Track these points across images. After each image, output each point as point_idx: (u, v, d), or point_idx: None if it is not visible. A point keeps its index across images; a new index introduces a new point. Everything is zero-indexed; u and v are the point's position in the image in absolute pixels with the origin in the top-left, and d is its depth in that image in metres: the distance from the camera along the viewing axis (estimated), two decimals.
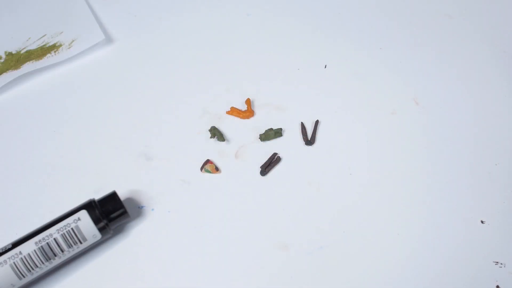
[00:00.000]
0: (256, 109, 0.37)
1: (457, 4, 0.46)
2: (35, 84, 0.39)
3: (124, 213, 0.29)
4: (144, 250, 0.30)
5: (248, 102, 0.37)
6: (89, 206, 0.28)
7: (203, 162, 0.34)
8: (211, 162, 0.33)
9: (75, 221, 0.28)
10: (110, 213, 0.29)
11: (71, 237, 0.28)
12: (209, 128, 0.36)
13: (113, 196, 0.30)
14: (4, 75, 0.39)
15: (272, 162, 0.34)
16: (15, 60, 0.40)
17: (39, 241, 0.27)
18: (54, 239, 0.27)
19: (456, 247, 0.30)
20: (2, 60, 0.40)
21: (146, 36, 0.43)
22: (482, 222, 0.32)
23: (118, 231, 0.31)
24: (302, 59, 0.41)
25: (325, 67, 0.40)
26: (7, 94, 0.38)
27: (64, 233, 0.27)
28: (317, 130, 0.36)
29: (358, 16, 0.44)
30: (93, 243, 0.29)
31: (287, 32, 0.43)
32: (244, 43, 0.42)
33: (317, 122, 0.36)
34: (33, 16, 0.44)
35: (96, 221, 0.28)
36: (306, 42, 0.42)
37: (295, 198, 0.32)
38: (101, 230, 0.28)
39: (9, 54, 0.40)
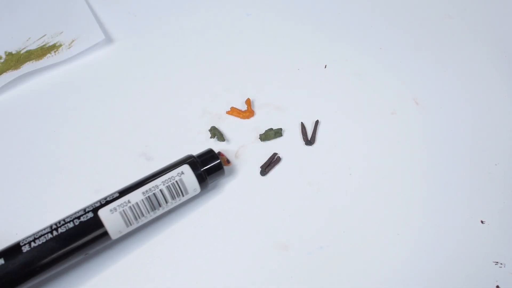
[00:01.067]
0: (256, 109, 0.37)
1: (457, 4, 0.46)
2: (35, 84, 0.39)
3: (221, 168, 0.31)
4: (143, 250, 0.30)
5: (248, 102, 0.37)
6: (191, 162, 0.30)
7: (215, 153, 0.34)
8: (222, 155, 0.33)
9: (179, 175, 0.29)
10: (209, 168, 0.31)
11: (175, 190, 0.29)
12: (209, 128, 0.36)
13: (210, 153, 0.31)
14: (4, 75, 0.39)
15: (272, 162, 0.34)
16: (15, 60, 0.40)
17: (146, 191, 0.28)
18: (160, 190, 0.29)
19: (456, 247, 0.30)
20: (2, 60, 0.40)
21: (146, 36, 0.43)
22: (482, 222, 0.32)
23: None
24: (302, 59, 0.41)
25: (325, 67, 0.40)
26: (7, 94, 0.38)
27: (169, 185, 0.29)
28: (317, 130, 0.36)
29: (358, 16, 0.45)
30: (192, 196, 0.31)
31: (287, 32, 0.43)
32: (244, 43, 0.42)
33: (317, 122, 0.36)
34: (33, 16, 0.44)
35: (197, 176, 0.30)
36: (306, 42, 0.42)
37: (295, 198, 0.32)
38: (200, 184, 0.30)
39: (9, 54, 0.40)
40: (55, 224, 0.27)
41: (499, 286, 0.29)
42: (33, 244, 0.26)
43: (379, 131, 0.36)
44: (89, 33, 0.41)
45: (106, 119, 0.37)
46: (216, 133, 0.35)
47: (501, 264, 0.30)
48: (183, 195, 0.30)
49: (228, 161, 0.33)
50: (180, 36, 0.43)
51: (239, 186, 0.33)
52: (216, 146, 0.35)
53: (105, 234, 0.27)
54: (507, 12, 0.45)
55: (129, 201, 0.28)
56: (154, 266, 0.30)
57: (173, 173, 0.29)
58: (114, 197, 0.28)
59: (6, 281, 0.25)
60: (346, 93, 0.38)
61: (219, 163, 0.31)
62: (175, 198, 0.29)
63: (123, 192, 0.28)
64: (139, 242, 0.30)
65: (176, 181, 0.29)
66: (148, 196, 0.28)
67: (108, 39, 0.42)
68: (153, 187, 0.29)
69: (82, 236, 0.27)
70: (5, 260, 0.25)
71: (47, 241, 0.26)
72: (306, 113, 0.37)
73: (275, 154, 0.34)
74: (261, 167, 0.34)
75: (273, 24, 0.44)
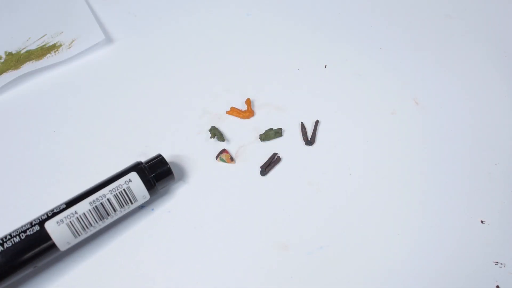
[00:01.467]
0: (256, 109, 0.37)
1: (457, 4, 0.46)
2: (35, 84, 0.39)
3: (170, 173, 0.31)
4: (143, 250, 0.30)
5: (248, 102, 0.37)
6: (139, 169, 0.30)
7: (219, 151, 0.34)
8: (227, 152, 0.33)
9: (127, 183, 0.29)
10: (157, 174, 0.31)
11: (123, 198, 0.29)
12: (209, 128, 0.36)
13: (159, 158, 0.31)
14: (4, 75, 0.39)
15: (272, 162, 0.34)
16: (15, 60, 0.40)
17: (93, 201, 0.28)
18: (108, 199, 0.29)
19: (456, 247, 0.30)
20: (2, 60, 0.40)
21: (146, 36, 0.43)
22: (482, 222, 0.32)
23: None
24: (302, 59, 0.41)
25: (325, 67, 0.40)
26: (7, 94, 0.38)
27: (116, 194, 0.29)
28: (317, 130, 0.36)
29: (358, 16, 0.45)
30: (141, 203, 0.31)
31: (287, 32, 0.43)
32: (244, 43, 0.42)
33: (317, 122, 0.36)
34: (33, 16, 0.44)
35: (146, 182, 0.30)
36: (306, 42, 0.42)
37: (295, 198, 0.32)
38: (149, 190, 0.30)
39: (9, 54, 0.40)
40: (1, 239, 0.27)
41: (499, 286, 0.29)
42: None
43: (379, 131, 0.36)
44: (89, 33, 0.41)
45: (106, 119, 0.37)
46: (216, 133, 0.35)
47: (501, 264, 0.30)
48: (132, 203, 0.30)
49: (232, 159, 0.34)
50: (180, 36, 0.43)
51: (239, 186, 0.33)
52: (216, 146, 0.35)
53: (53, 246, 0.27)
54: (507, 12, 0.45)
55: (76, 212, 0.28)
56: (150, 265, 0.30)
57: (121, 181, 0.29)
58: (61, 208, 0.28)
59: None
60: (346, 93, 0.38)
61: (168, 168, 0.31)
62: (124, 206, 0.29)
63: (70, 203, 0.28)
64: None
65: (124, 189, 0.29)
66: (96, 206, 0.28)
67: (108, 39, 0.42)
68: (100, 196, 0.28)
69: (29, 250, 0.27)
70: None
71: None
72: (306, 113, 0.37)
73: (275, 154, 0.34)
74: (261, 167, 0.34)
75: (273, 24, 0.44)
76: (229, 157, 0.34)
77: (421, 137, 0.36)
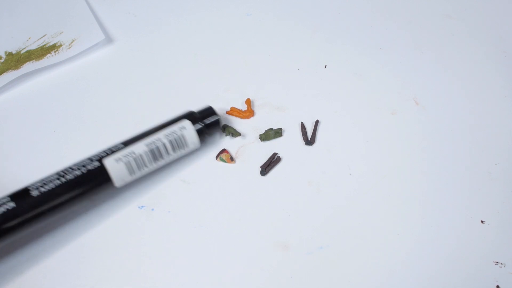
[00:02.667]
0: (256, 109, 0.37)
1: (457, 4, 0.46)
2: (35, 84, 0.39)
3: (218, 124, 0.34)
4: (143, 250, 0.30)
5: (248, 102, 0.37)
6: (192, 118, 0.32)
7: (219, 150, 0.34)
8: (227, 152, 0.33)
9: (181, 129, 0.31)
10: (208, 124, 0.33)
11: (177, 143, 0.31)
12: (221, 127, 0.35)
13: (209, 110, 0.34)
14: (4, 75, 0.39)
15: (272, 162, 0.34)
16: (15, 60, 0.40)
17: (149, 143, 0.30)
18: (163, 143, 0.31)
19: (456, 247, 0.30)
20: (2, 60, 0.40)
21: (146, 36, 0.43)
22: (482, 222, 0.32)
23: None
24: (302, 59, 0.41)
25: (325, 67, 0.40)
26: (7, 94, 0.38)
27: (171, 139, 0.31)
28: (317, 130, 0.36)
29: (358, 17, 0.45)
30: (191, 150, 0.33)
31: (287, 32, 0.43)
32: (244, 43, 0.42)
33: (317, 122, 0.36)
34: (33, 16, 0.44)
35: (198, 131, 0.32)
36: (306, 42, 0.42)
37: (295, 198, 0.32)
38: (200, 138, 0.32)
39: (9, 54, 0.40)
40: (62, 171, 0.29)
41: (499, 286, 0.29)
42: (41, 189, 0.27)
43: (379, 131, 0.36)
44: (89, 33, 0.41)
45: (106, 119, 0.37)
46: (230, 130, 0.35)
47: (501, 264, 0.30)
48: (183, 149, 0.32)
49: (232, 159, 0.34)
50: (180, 36, 0.43)
51: (239, 186, 0.33)
52: (216, 146, 0.35)
53: (110, 182, 0.29)
54: (507, 12, 0.45)
55: (133, 152, 0.30)
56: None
57: (175, 127, 0.31)
58: (119, 147, 0.30)
59: (18, 223, 0.27)
60: (346, 93, 0.38)
61: (218, 120, 0.33)
62: (176, 151, 0.31)
63: (127, 143, 0.30)
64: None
65: (178, 136, 0.31)
66: (151, 148, 0.30)
67: (108, 39, 0.42)
68: (156, 139, 0.31)
69: (88, 183, 0.29)
70: (16, 203, 0.27)
71: (55, 187, 0.28)
72: (306, 113, 0.37)
73: (275, 154, 0.34)
74: (261, 167, 0.34)
75: (273, 24, 0.44)
76: (229, 157, 0.34)
77: (421, 137, 0.36)
